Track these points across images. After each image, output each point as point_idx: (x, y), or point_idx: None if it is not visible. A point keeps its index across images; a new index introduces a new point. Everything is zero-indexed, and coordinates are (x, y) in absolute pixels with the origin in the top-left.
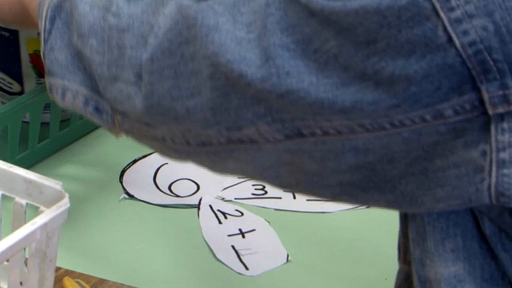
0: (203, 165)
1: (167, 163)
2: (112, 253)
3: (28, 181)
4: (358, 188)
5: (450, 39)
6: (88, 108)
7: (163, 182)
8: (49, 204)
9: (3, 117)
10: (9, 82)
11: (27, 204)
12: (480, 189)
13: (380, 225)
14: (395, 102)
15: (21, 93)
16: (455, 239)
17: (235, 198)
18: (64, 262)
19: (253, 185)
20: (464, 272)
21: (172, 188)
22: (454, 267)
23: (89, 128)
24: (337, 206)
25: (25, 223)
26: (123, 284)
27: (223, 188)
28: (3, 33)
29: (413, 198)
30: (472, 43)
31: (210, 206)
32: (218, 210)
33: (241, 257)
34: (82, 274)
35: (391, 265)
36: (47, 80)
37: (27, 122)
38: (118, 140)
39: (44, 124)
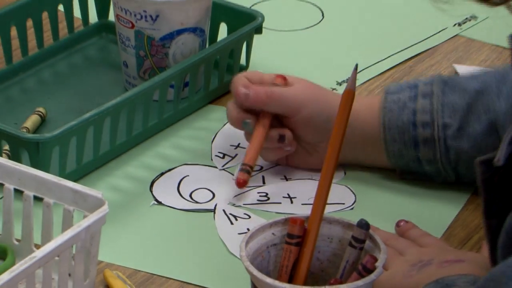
0: None
1: (188, 176)
2: (144, 249)
3: (75, 191)
4: None
5: None
6: None
7: (185, 191)
8: (92, 209)
9: None
10: None
11: (74, 210)
12: None
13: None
14: None
15: None
16: None
17: (244, 204)
18: (105, 256)
19: (258, 192)
20: None
21: (193, 195)
22: None
23: (122, 151)
24: (327, 209)
25: (72, 225)
26: (153, 274)
27: (234, 195)
28: None
29: None
30: None
31: (224, 211)
32: (230, 214)
33: None
34: (119, 266)
35: None
36: None
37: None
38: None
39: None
